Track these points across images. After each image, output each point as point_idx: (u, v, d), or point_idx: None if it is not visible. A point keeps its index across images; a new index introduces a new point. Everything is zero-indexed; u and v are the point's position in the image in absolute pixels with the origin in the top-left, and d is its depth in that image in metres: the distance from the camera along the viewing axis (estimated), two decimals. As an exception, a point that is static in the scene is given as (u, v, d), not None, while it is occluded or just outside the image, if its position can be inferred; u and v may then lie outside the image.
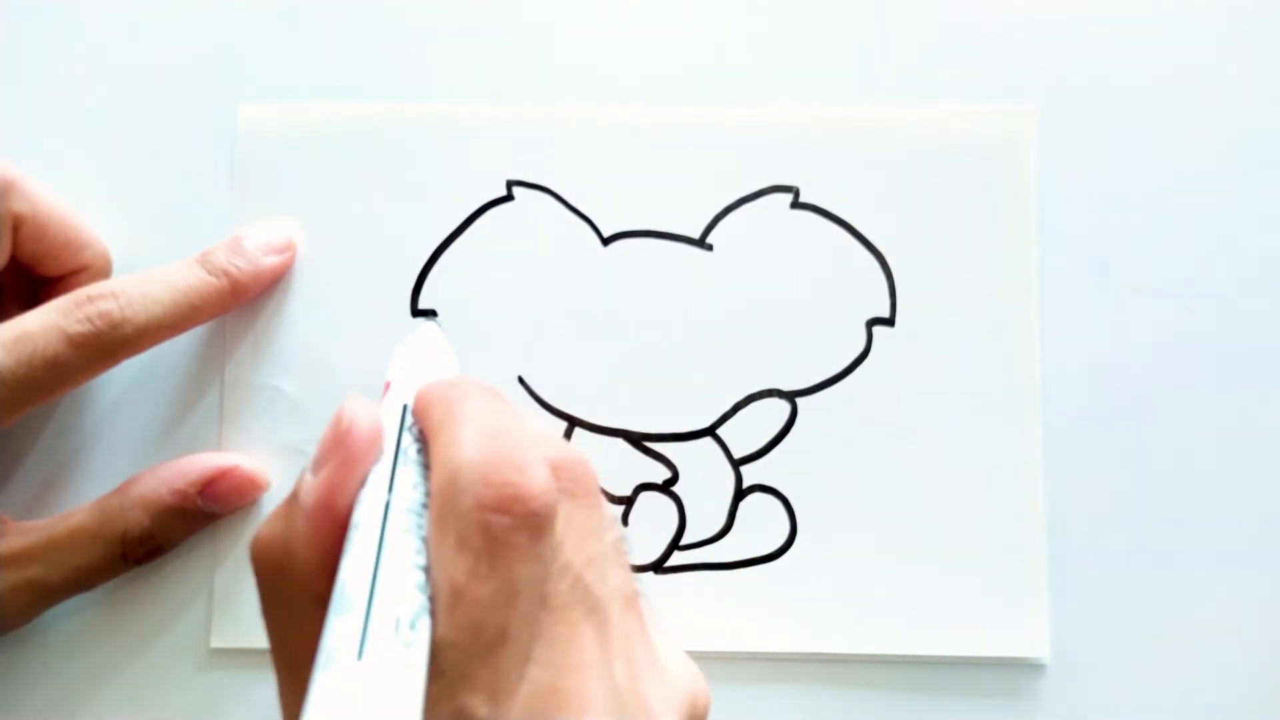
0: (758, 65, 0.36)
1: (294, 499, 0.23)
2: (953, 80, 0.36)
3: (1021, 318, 0.35)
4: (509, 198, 0.35)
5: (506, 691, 0.20)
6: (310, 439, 0.34)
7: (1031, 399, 0.35)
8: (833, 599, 0.34)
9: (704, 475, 0.35)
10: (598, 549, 0.23)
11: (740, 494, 0.34)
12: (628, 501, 0.35)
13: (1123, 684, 0.34)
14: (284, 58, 0.36)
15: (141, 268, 0.33)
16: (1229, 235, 0.35)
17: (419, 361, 0.30)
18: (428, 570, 0.21)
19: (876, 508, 0.34)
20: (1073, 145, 0.36)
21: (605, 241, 0.35)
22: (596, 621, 0.22)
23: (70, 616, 0.34)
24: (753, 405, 0.35)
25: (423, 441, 0.24)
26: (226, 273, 0.33)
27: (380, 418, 0.24)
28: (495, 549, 0.21)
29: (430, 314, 0.35)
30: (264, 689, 0.34)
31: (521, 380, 0.35)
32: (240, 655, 0.34)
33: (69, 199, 0.34)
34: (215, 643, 0.34)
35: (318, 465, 0.23)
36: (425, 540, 0.22)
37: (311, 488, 0.23)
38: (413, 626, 0.20)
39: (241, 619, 0.34)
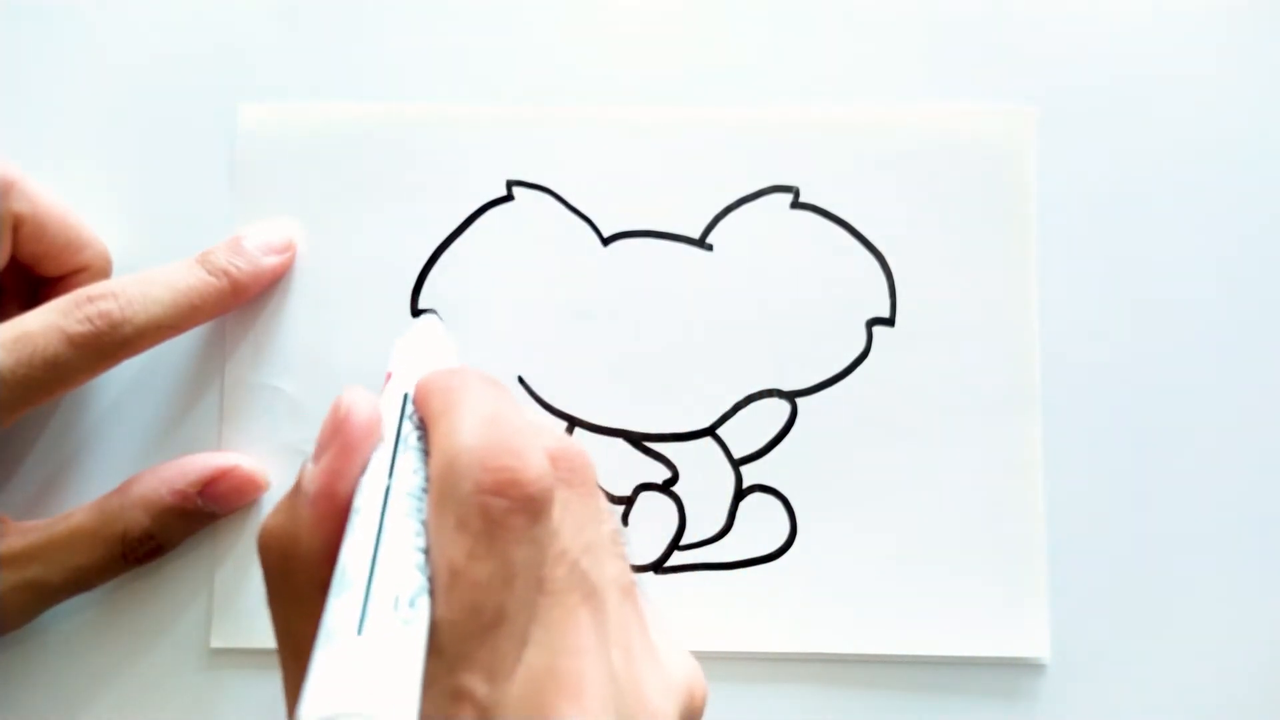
0: (758, 65, 0.36)
1: (297, 488, 0.23)
2: (953, 80, 0.36)
3: (1021, 318, 0.35)
4: (509, 198, 0.35)
5: (504, 672, 0.21)
6: (310, 439, 0.34)
7: (1031, 399, 0.35)
8: (832, 599, 0.34)
9: (704, 475, 0.35)
10: (594, 537, 0.23)
11: (740, 494, 0.34)
12: (628, 501, 0.34)
13: (1123, 684, 0.34)
14: (284, 58, 0.36)
15: (141, 268, 0.33)
16: (1229, 235, 0.35)
17: (420, 352, 0.30)
18: (427, 552, 0.21)
19: (876, 508, 0.34)
20: (1073, 145, 0.36)
21: (605, 241, 0.35)
22: (593, 608, 0.22)
23: (70, 616, 0.34)
24: (753, 405, 0.35)
25: (423, 429, 0.24)
26: (226, 273, 0.33)
27: (378, 405, 0.24)
28: (493, 531, 0.21)
29: (430, 314, 0.35)
30: (264, 689, 0.34)
31: (521, 380, 0.35)
32: (240, 655, 0.34)
33: (69, 199, 0.34)
34: (215, 643, 0.34)
35: (318, 453, 0.24)
36: (425, 523, 0.22)
37: (313, 475, 0.23)
38: (412, 605, 0.20)
39: (241, 619, 0.34)
